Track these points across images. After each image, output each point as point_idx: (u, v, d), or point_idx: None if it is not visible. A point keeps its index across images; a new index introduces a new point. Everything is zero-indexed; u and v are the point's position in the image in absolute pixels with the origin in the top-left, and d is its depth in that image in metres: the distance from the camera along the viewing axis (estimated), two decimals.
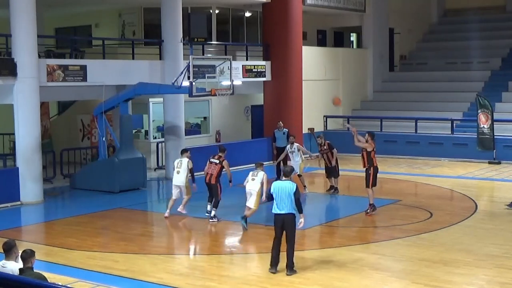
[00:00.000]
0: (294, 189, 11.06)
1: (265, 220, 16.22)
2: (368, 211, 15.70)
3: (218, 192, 15.47)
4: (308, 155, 20.07)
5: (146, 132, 24.08)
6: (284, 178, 11.40)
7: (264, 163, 18.80)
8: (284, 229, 11.17)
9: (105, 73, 19.72)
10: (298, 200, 11.11)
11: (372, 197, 15.71)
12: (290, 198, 11.03)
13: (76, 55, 20.86)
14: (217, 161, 15.55)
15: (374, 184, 15.80)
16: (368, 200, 15.76)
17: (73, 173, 20.60)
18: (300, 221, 11.32)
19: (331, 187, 18.88)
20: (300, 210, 11.20)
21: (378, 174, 16.07)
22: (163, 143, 22.41)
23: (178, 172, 15.62)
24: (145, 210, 17.79)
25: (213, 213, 15.48)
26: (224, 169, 15.56)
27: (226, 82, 19.07)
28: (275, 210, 11.17)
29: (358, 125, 27.67)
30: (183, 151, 16.22)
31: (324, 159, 18.76)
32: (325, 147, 18.67)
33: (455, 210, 16.45)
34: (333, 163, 18.53)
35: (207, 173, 15.61)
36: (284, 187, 11.10)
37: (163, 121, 22.04)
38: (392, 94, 30.31)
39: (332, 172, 18.77)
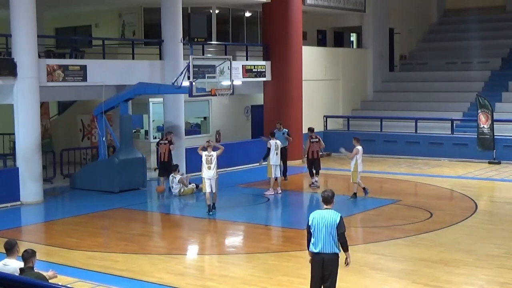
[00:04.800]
0: (338, 221, 8.82)
1: (265, 220, 16.25)
2: None
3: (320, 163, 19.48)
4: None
5: (146, 132, 24.07)
6: (325, 206, 8.99)
7: (263, 163, 18.95)
8: (323, 272, 8.85)
9: (105, 73, 19.69)
10: (343, 234, 8.85)
11: None
12: (332, 233, 8.80)
13: (76, 55, 20.84)
14: (317, 140, 19.24)
15: None
16: None
17: (73, 173, 20.58)
18: (346, 261, 9.07)
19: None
20: (345, 248, 8.93)
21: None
22: None
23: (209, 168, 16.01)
24: (145, 210, 17.76)
25: (316, 178, 19.18)
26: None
27: (226, 82, 19.05)
28: (313, 248, 8.88)
29: (358, 125, 27.81)
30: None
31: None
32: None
33: (455, 210, 16.44)
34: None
35: (312, 150, 19.06)
36: (324, 219, 8.82)
37: (163, 121, 22.03)
38: (392, 94, 30.29)
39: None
